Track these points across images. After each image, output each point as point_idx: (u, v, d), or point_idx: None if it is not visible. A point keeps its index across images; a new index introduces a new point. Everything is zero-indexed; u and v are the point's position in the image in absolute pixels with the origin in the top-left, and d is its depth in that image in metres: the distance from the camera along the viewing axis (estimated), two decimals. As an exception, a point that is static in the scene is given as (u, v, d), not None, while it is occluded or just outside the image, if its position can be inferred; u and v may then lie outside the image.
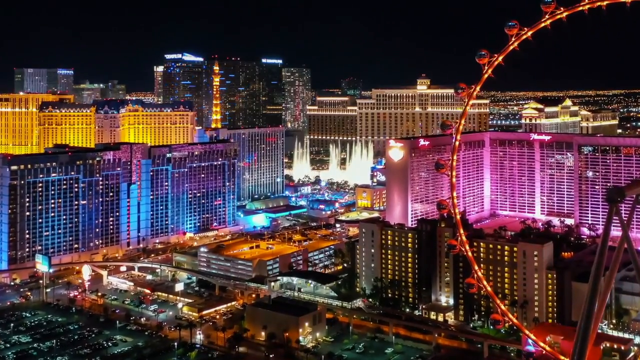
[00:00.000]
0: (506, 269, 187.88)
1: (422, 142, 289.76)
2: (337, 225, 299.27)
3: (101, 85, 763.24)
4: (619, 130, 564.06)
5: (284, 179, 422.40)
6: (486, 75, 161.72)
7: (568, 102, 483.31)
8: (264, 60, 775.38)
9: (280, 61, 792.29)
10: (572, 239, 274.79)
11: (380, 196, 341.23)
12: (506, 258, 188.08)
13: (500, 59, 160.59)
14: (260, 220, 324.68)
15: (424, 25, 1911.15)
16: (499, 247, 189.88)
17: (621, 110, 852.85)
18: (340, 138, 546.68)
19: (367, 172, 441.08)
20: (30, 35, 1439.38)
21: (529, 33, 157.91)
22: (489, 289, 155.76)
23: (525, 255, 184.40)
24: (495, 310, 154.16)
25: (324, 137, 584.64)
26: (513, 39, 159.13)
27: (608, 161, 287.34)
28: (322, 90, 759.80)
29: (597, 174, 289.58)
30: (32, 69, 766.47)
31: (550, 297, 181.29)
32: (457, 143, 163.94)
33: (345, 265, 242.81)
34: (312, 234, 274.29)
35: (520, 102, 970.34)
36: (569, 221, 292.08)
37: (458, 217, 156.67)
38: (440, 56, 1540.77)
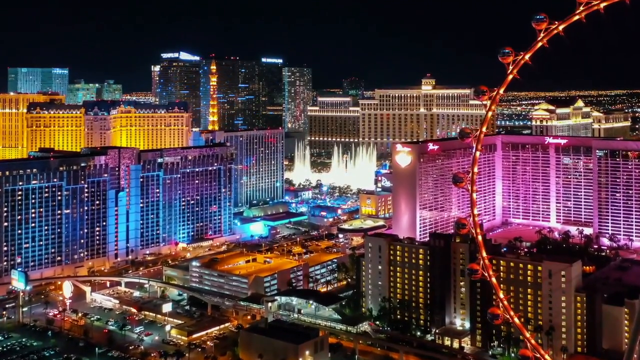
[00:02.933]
0: (529, 290, 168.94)
1: (431, 146, 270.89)
2: (340, 235, 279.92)
3: (97, 85, 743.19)
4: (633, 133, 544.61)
5: (284, 183, 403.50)
6: (511, 76, 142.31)
7: (580, 103, 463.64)
8: (263, 60, 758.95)
9: (280, 60, 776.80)
10: (591, 250, 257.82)
11: (386, 203, 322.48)
12: (529, 278, 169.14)
13: (527, 57, 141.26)
14: (258, 229, 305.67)
15: (428, 24, 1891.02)
16: (520, 265, 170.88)
17: (626, 110, 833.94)
18: (342, 140, 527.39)
19: (370, 175, 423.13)
20: (25, 34, 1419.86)
21: (561, 27, 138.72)
22: (517, 321, 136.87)
23: (551, 275, 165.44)
24: (523, 344, 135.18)
25: (325, 139, 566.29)
26: (542, 35, 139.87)
27: (630, 166, 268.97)
28: (323, 91, 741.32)
29: (618, 180, 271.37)
30: (26, 68, 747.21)
31: (580, 323, 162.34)
32: (477, 154, 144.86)
33: (349, 280, 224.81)
34: (314, 245, 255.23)
35: (523, 102, 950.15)
36: (588, 231, 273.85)
37: (480, 238, 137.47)
38: (446, 56, 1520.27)
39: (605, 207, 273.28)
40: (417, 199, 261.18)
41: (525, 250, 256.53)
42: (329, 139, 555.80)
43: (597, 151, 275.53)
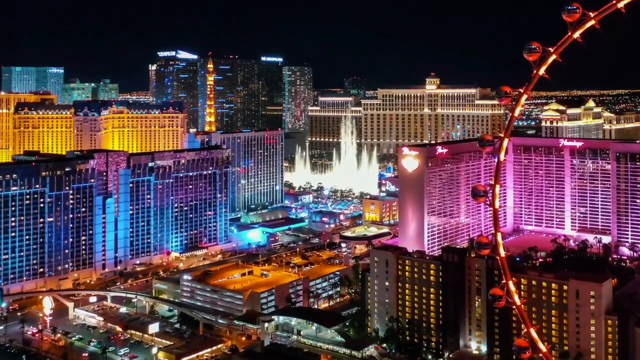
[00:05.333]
0: (553, 311, 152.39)
1: (439, 149, 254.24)
2: (343, 244, 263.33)
3: (92, 84, 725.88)
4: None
5: (284, 186, 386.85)
6: (539, 75, 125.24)
7: (591, 103, 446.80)
8: (263, 59, 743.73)
9: (280, 59, 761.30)
10: (610, 260, 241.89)
11: (390, 209, 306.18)
12: (553, 298, 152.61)
13: (556, 54, 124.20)
14: (255, 236, 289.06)
15: (430, 23, 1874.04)
16: (544, 284, 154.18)
17: (638, 110, 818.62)
18: (344, 140, 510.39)
19: (373, 177, 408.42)
20: (20, 33, 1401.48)
21: (595, 19, 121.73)
22: (545, 349, 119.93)
23: (578, 295, 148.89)
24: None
25: (326, 140, 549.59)
26: (573, 28, 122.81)
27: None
28: (324, 90, 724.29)
29: (638, 185, 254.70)
30: (20, 67, 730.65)
31: (611, 350, 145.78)
32: (500, 164, 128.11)
33: (352, 293, 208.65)
34: (314, 256, 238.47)
35: (525, 101, 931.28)
36: (606, 239, 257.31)
37: (505, 260, 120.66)
38: (450, 55, 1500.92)
39: (624, 214, 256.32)
40: (425, 206, 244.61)
41: (541, 260, 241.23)
42: (330, 140, 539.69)
43: (616, 154, 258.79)
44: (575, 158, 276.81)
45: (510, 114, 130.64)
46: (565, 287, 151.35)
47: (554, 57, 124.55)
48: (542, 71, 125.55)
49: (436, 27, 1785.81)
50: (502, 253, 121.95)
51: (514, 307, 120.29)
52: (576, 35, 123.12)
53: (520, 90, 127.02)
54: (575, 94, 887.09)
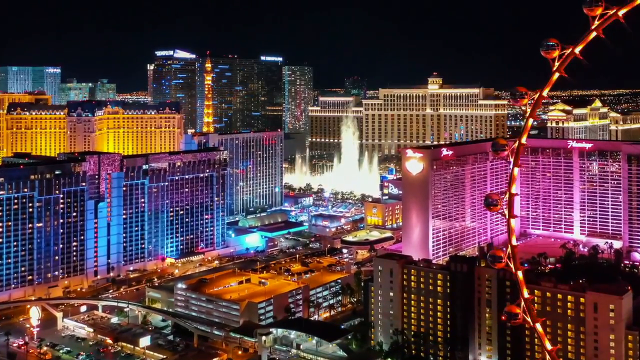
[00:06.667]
0: (569, 325, 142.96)
1: (444, 151, 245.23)
2: (344, 250, 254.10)
3: (90, 84, 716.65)
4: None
5: (283, 188, 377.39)
6: (559, 74, 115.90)
7: (597, 103, 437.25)
8: (263, 58, 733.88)
9: (280, 59, 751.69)
10: (622, 266, 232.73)
11: (393, 212, 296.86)
12: (569, 311, 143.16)
13: (577, 50, 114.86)
14: (254, 241, 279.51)
15: (433, 22, 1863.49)
16: (559, 296, 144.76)
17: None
18: (344, 141, 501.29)
19: (374, 179, 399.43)
20: (16, 33, 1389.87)
21: (621, 12, 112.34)
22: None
23: (596, 308, 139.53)
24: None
25: (326, 140, 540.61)
26: (596, 22, 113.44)
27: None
28: (324, 90, 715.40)
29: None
30: (17, 67, 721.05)
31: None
32: (516, 171, 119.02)
33: (354, 301, 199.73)
34: (315, 262, 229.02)
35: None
36: (617, 244, 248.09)
37: (521, 274, 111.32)
38: (453, 54, 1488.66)
39: (636, 218, 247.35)
40: (429, 210, 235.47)
41: (550, 266, 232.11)
42: (331, 140, 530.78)
43: (628, 156, 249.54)
44: (584, 160, 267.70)
45: (527, 116, 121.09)
46: (582, 300, 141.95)
47: (575, 54, 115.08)
48: (561, 70, 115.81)
49: (437, 26, 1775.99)
50: (520, 269, 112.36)
51: (532, 324, 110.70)
52: (599, 30, 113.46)
53: (539, 90, 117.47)
54: (577, 93, 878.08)
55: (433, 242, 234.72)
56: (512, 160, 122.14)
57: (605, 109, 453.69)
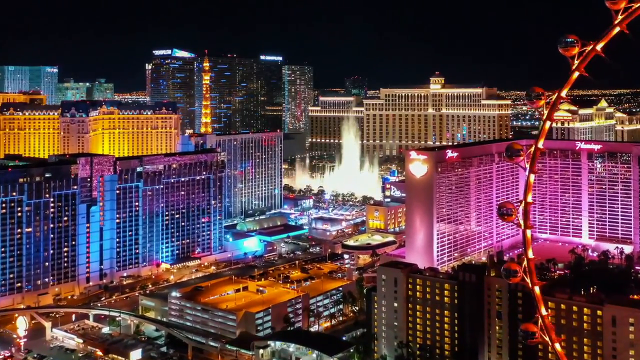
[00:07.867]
0: (585, 340, 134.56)
1: (449, 153, 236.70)
2: (346, 256, 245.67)
3: (87, 84, 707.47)
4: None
5: (283, 190, 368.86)
6: (579, 72, 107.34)
7: (603, 104, 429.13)
8: (262, 57, 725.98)
9: (280, 58, 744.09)
10: (633, 272, 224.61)
11: (396, 215, 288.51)
12: (585, 325, 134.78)
13: (598, 47, 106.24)
14: (252, 245, 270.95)
15: (434, 21, 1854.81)
16: (574, 308, 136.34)
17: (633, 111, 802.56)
18: (345, 142, 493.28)
19: (375, 181, 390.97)
20: (13, 32, 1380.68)
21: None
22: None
23: (615, 322, 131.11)
24: None
25: (326, 140, 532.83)
26: (620, 17, 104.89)
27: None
28: (325, 90, 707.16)
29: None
30: (13, 66, 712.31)
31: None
32: (532, 178, 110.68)
33: (356, 309, 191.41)
34: (315, 269, 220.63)
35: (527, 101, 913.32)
36: (627, 249, 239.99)
37: (538, 290, 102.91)
38: (454, 54, 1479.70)
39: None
40: (434, 214, 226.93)
41: (560, 272, 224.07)
42: (331, 141, 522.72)
43: (638, 157, 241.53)
44: (593, 162, 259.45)
45: (544, 119, 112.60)
46: (599, 313, 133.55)
47: (596, 51, 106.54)
48: (581, 68, 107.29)
49: (439, 25, 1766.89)
50: (537, 284, 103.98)
51: (550, 345, 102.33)
52: (623, 26, 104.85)
53: (556, 91, 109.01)
54: (577, 93, 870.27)
55: (437, 246, 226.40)
56: (527, 166, 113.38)
57: (611, 109, 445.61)
